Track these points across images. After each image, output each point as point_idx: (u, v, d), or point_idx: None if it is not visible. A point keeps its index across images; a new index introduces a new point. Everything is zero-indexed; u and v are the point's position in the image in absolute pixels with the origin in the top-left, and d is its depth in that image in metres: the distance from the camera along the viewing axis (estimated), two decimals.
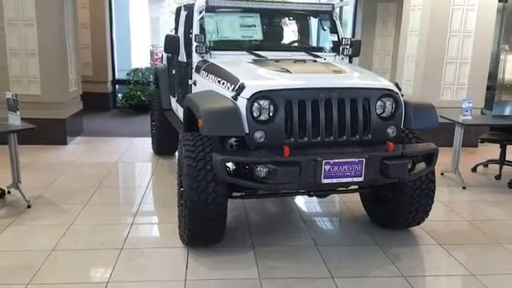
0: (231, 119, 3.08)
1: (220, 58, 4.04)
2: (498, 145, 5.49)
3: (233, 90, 3.26)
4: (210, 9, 4.24)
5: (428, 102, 3.59)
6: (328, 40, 4.61)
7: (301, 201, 4.55)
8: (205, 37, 4.10)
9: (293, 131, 3.12)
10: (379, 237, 3.76)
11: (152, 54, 15.90)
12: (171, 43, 4.39)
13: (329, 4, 4.51)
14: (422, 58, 6.73)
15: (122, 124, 8.21)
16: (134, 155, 6.14)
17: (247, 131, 3.09)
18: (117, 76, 9.72)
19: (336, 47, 4.50)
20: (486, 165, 5.75)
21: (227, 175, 3.02)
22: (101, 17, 8.91)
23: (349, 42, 4.40)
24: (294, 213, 4.28)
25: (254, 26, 4.39)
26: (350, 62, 4.52)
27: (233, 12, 4.42)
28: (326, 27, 4.57)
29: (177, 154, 6.23)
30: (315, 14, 4.58)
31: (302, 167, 3.00)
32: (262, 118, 3.12)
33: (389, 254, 3.47)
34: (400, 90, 3.43)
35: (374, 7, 9.44)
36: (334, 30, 4.54)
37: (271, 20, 4.63)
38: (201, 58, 4.16)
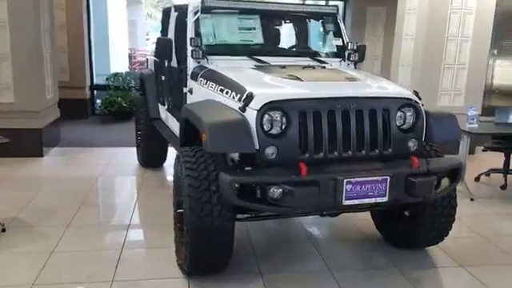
0: (240, 134, 2.72)
1: (219, 64, 3.68)
2: (497, 153, 5.31)
3: (239, 100, 2.90)
4: (205, 9, 3.86)
5: (449, 113, 3.31)
6: (331, 44, 4.30)
7: (305, 218, 4.21)
8: (201, 40, 3.72)
9: (307, 146, 2.78)
10: (395, 258, 3.45)
11: (130, 57, 15.40)
12: (164, 47, 4.00)
13: (333, 6, 4.21)
14: (418, 63, 6.52)
15: (103, 133, 7.72)
16: (117, 168, 5.69)
17: (257, 147, 2.73)
18: (95, 81, 9.20)
19: (341, 52, 4.19)
20: (488, 174, 5.55)
21: (236, 197, 2.65)
22: (78, 19, 8.39)
23: (355, 47, 4.10)
24: (300, 232, 3.94)
25: (254, 28, 4.04)
26: (355, 67, 4.21)
27: (230, 13, 4.06)
28: (329, 30, 4.26)
29: (165, 166, 6.10)
30: (318, 16, 4.26)
31: (321, 187, 2.66)
32: (274, 131, 2.77)
33: (409, 277, 3.17)
34: (420, 99, 3.14)
35: (364, 11, 9.24)
36: (338, 34, 4.23)
37: (272, 22, 4.29)
38: (197, 64, 3.78)
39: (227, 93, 3.10)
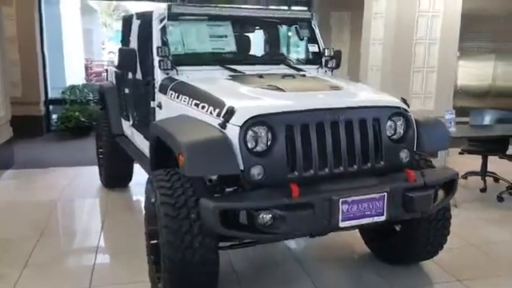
0: (222, 154, 2.43)
1: (190, 75, 3.37)
2: (471, 155, 5.25)
3: (218, 115, 2.61)
4: (172, 16, 3.54)
5: (437, 119, 3.15)
6: (306, 51, 4.07)
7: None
8: (168, 50, 3.40)
9: (296, 163, 2.52)
10: (388, 275, 3.25)
11: (87, 68, 14.71)
12: (128, 58, 3.64)
13: (307, 11, 3.98)
14: (387, 68, 6.44)
15: (61, 151, 7.18)
16: (78, 190, 5.22)
17: (242, 167, 2.44)
18: (50, 95, 8.61)
19: (317, 59, 3.96)
20: (465, 177, 5.48)
21: (220, 226, 2.35)
22: (30, 29, 7.81)
23: (332, 53, 3.89)
24: (286, 253, 3.66)
25: (225, 36, 3.76)
26: (331, 74, 4.00)
27: (200, 20, 3.76)
28: (304, 36, 4.04)
29: (132, 186, 5.65)
30: (292, 21, 4.03)
31: (316, 210, 2.40)
32: (259, 148, 2.50)
33: None
34: (408, 106, 2.95)
35: (327, 16, 9.16)
36: (313, 40, 4.01)
37: (244, 29, 4.02)
38: (165, 76, 3.45)
39: (203, 107, 2.79)
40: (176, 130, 2.68)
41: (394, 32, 6.24)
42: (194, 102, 2.91)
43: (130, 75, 4.19)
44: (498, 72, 8.60)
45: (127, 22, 4.58)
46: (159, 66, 3.40)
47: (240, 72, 3.48)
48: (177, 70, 3.44)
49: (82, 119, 8.13)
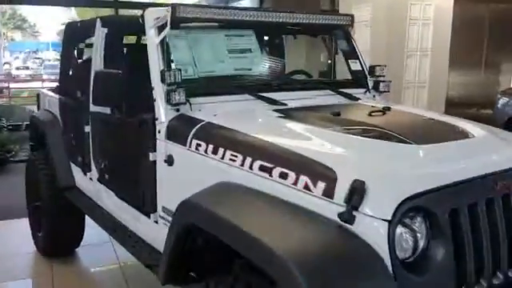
0: (366, 277, 1.32)
1: (211, 110, 2.20)
2: None
3: (326, 194, 1.49)
4: (177, 22, 2.32)
5: None
6: (342, 68, 3.06)
7: None
8: (180, 74, 2.18)
9: (466, 271, 1.49)
10: None
11: None
12: (111, 88, 2.33)
13: (347, 15, 2.96)
14: None
15: None
16: (1, 264, 3.65)
17: None
18: None
19: (361, 79, 2.96)
20: None
21: None
22: None
23: (384, 72, 2.92)
24: None
25: (250, 50, 2.60)
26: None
27: (211, 29, 2.57)
28: (341, 49, 3.02)
29: (79, 252, 3.99)
30: (329, 29, 2.97)
31: None
32: (416, 256, 1.43)
33: None
34: None
35: None
36: (352, 54, 3.01)
37: (272, 40, 2.90)
38: (175, 113, 2.21)
39: (283, 176, 1.64)
40: (249, 222, 1.51)
41: (386, 40, 5.52)
42: (259, 163, 1.73)
43: (93, 107, 2.85)
44: None
45: (81, 31, 3.23)
46: (167, 100, 2.16)
47: (284, 104, 2.36)
48: (190, 104, 2.23)
49: None
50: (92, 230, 3.44)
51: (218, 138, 1.95)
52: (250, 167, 1.75)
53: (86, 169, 3.16)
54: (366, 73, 2.94)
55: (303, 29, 2.96)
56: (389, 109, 2.30)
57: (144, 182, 2.36)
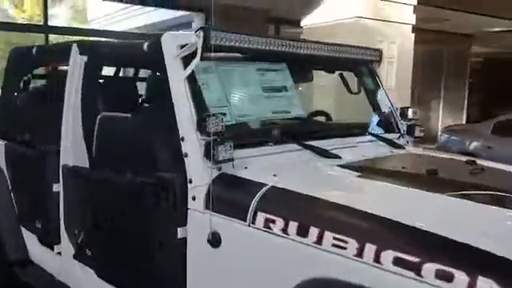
0: None
1: (260, 167, 1.67)
2: None
3: None
4: (209, 52, 1.76)
5: None
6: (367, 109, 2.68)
7: None
8: (222, 119, 1.62)
9: None
10: None
11: None
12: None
13: (376, 49, 2.59)
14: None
15: None
16: None
17: None
18: None
19: (390, 123, 2.59)
20: None
21: None
22: None
23: (416, 115, 2.58)
24: None
25: (285, 88, 2.10)
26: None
27: (240, 61, 2.03)
28: (366, 87, 2.64)
29: None
30: (357, 64, 2.55)
31: None
32: None
33: None
34: None
35: None
36: (378, 93, 2.65)
37: (306, 74, 2.43)
38: (217, 172, 1.63)
39: (444, 276, 1.12)
40: None
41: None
42: (392, 255, 1.19)
43: (65, 160, 2.15)
44: None
45: (28, 58, 2.54)
46: (207, 155, 1.58)
47: (335, 155, 1.89)
48: (232, 160, 1.67)
49: None
50: None
51: (306, 213, 1.40)
52: (377, 260, 1.22)
53: (49, 239, 2.39)
54: (396, 115, 2.59)
55: (326, 64, 2.54)
56: (475, 162, 1.92)
57: (164, 270, 1.71)
